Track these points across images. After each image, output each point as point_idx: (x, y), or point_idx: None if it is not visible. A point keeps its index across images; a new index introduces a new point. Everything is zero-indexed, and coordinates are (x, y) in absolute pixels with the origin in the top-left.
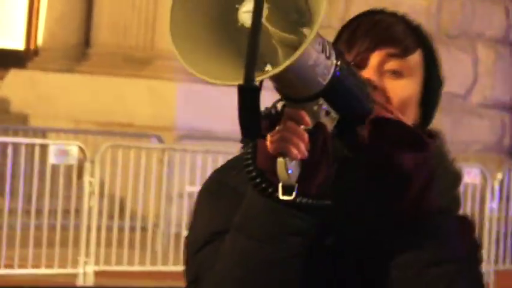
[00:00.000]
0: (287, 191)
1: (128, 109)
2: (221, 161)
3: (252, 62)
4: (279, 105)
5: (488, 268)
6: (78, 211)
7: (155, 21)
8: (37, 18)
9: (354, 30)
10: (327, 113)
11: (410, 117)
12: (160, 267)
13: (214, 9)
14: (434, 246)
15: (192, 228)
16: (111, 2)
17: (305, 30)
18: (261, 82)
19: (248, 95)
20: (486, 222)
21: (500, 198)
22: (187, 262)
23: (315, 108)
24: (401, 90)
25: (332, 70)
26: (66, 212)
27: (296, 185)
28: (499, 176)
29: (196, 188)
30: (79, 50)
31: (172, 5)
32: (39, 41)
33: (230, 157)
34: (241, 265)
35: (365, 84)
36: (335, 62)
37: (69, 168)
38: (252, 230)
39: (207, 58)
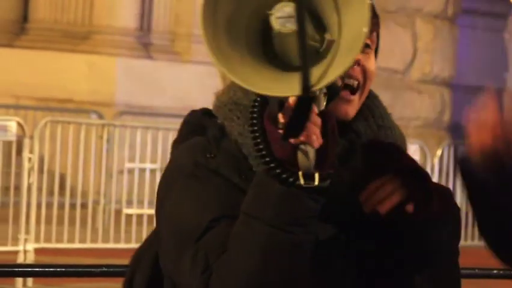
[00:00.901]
0: (307, 177)
1: (67, 84)
2: (161, 137)
3: (307, 72)
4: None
5: None
6: (17, 188)
7: None
8: None
9: None
10: (325, 94)
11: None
12: (100, 245)
13: (246, 18)
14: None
15: (178, 215)
16: None
17: (330, 36)
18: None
19: (306, 103)
20: None
21: (440, 174)
22: (179, 250)
23: (317, 92)
24: (371, 62)
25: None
26: (6, 189)
27: (317, 172)
28: (439, 152)
29: (136, 165)
30: (17, 25)
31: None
32: None
33: (170, 133)
34: (265, 252)
35: None
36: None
37: (8, 144)
38: (273, 217)
39: (252, 70)
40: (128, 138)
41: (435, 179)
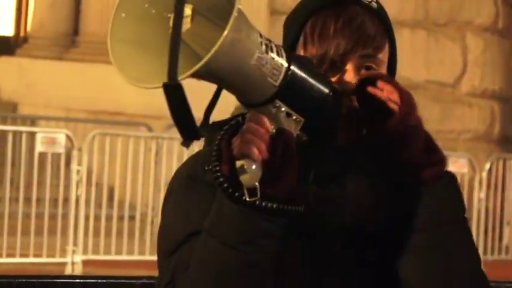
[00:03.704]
0: (252, 193)
1: (117, 97)
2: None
3: (174, 60)
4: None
5: None
6: (66, 200)
7: None
8: (27, 6)
9: (324, 27)
10: (288, 115)
11: None
12: (148, 257)
13: (154, 15)
14: (440, 207)
15: (166, 226)
16: None
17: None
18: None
19: (173, 93)
20: (474, 212)
21: (488, 188)
22: (163, 262)
23: (274, 111)
24: None
25: (283, 70)
26: (54, 200)
27: (258, 186)
28: (487, 165)
29: None
30: (68, 38)
31: (116, 9)
32: (29, 28)
33: None
34: (214, 269)
35: (326, 81)
36: (285, 62)
37: (57, 156)
38: (224, 234)
39: (139, 63)
40: (177, 151)
41: (483, 192)
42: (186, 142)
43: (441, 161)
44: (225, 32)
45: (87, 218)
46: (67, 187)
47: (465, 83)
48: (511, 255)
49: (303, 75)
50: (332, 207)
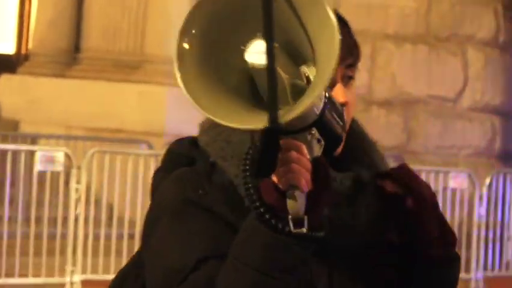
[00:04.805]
0: (297, 223)
1: (118, 114)
2: None
3: (275, 104)
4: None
5: (477, 275)
6: (65, 219)
7: (144, 26)
8: (28, 23)
9: None
10: (319, 141)
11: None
12: None
13: (221, 54)
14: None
15: (162, 252)
16: (101, 7)
17: (306, 69)
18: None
19: (274, 136)
20: (474, 228)
21: (489, 203)
22: None
23: (309, 137)
24: (354, 92)
25: (323, 100)
26: (53, 220)
27: (306, 218)
28: (487, 181)
29: None
30: (69, 55)
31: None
32: (30, 45)
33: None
34: None
35: (341, 110)
36: (323, 91)
37: (56, 174)
38: (265, 265)
39: (222, 103)
40: None
41: (484, 207)
42: (255, 180)
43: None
44: (333, 64)
45: (86, 237)
46: (66, 206)
47: (466, 97)
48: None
49: (331, 103)
50: (345, 233)
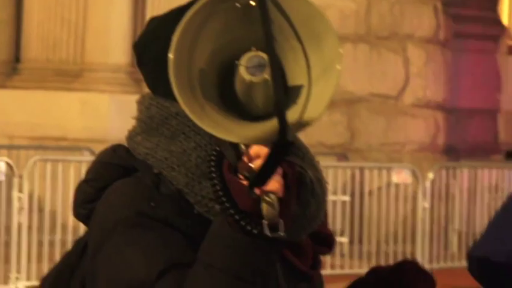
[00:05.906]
0: (273, 228)
1: (61, 123)
2: None
3: (284, 119)
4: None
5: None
6: (8, 227)
7: (84, 34)
8: None
9: None
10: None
11: None
12: None
13: (216, 67)
14: None
15: (121, 266)
16: (40, 17)
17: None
18: None
19: (284, 149)
20: (419, 221)
21: (433, 197)
22: None
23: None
24: None
25: None
26: None
27: (282, 222)
28: (430, 175)
29: None
30: (10, 66)
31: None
32: None
33: None
34: None
35: None
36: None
37: None
38: (240, 270)
39: (226, 119)
40: None
41: (427, 201)
42: (251, 191)
43: None
44: (338, 67)
45: (30, 244)
46: (9, 215)
47: (408, 94)
48: (458, 262)
49: None
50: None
